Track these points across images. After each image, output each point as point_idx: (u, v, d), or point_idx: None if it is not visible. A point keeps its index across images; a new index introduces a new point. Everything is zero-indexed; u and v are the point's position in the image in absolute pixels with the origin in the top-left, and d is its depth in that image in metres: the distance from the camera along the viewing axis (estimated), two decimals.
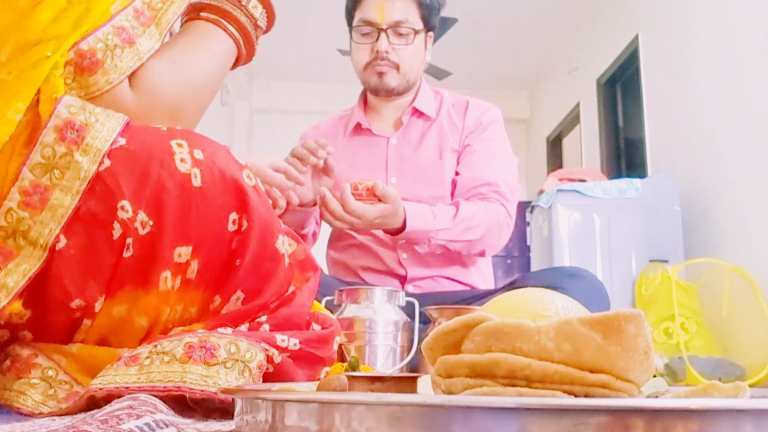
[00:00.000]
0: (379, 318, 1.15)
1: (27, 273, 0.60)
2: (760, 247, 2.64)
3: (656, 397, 0.46)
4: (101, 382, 0.60)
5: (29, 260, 0.60)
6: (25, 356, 0.66)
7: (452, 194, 1.54)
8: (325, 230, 1.68)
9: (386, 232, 1.43)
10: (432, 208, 1.43)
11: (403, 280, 1.54)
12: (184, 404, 0.60)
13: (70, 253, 0.62)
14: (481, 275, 1.61)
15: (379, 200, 1.30)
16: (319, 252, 0.82)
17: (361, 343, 1.14)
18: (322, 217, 1.54)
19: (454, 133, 1.59)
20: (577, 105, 4.94)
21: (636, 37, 3.89)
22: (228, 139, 5.45)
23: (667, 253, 2.99)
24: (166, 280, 0.66)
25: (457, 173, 1.55)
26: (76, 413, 0.61)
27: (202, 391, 0.59)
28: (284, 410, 0.38)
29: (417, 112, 1.62)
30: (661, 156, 3.57)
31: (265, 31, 0.85)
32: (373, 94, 1.63)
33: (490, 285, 1.63)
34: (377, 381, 0.46)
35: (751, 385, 1.50)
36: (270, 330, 0.70)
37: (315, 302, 0.82)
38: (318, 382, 0.52)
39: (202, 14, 0.79)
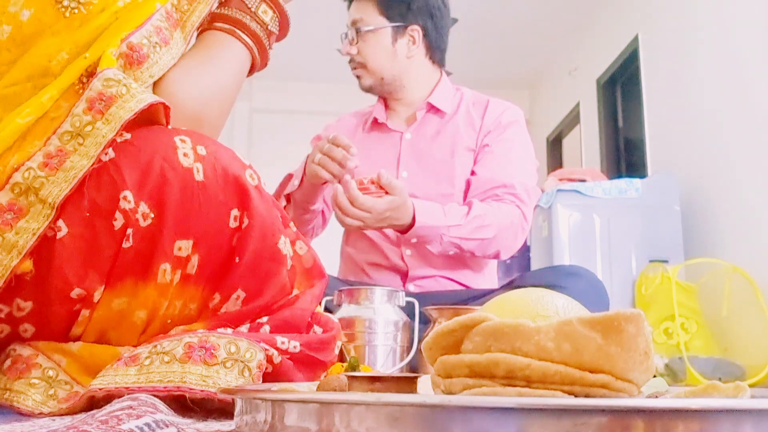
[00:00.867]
0: (379, 318, 1.15)
1: (36, 231, 0.61)
2: (760, 247, 2.64)
3: (656, 397, 0.46)
4: (101, 383, 0.60)
5: (38, 218, 0.61)
6: (26, 356, 0.66)
7: (466, 194, 1.52)
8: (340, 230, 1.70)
9: (397, 230, 1.41)
10: (442, 206, 1.42)
11: (404, 277, 1.54)
12: (184, 404, 0.60)
13: (71, 241, 0.63)
14: (486, 280, 1.60)
15: (387, 193, 1.30)
16: (325, 253, 0.82)
17: (361, 343, 1.14)
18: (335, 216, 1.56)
19: (470, 132, 1.57)
20: (577, 105, 4.94)
21: (636, 37, 3.89)
22: (228, 139, 5.45)
23: (667, 253, 2.99)
24: (165, 272, 0.66)
25: (473, 173, 1.54)
26: (76, 413, 0.61)
27: (202, 391, 0.59)
28: (284, 410, 0.38)
29: (432, 108, 1.61)
30: (661, 156, 3.57)
31: (280, 37, 0.86)
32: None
33: (492, 287, 1.62)
34: (377, 381, 0.46)
35: (751, 385, 1.50)
36: (270, 332, 0.70)
37: None
38: (318, 382, 0.52)
39: (216, 24, 0.80)
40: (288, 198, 1.53)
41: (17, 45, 0.66)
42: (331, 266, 1.23)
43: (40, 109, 0.64)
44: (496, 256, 1.49)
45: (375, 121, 1.65)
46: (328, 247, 1.61)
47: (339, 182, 1.33)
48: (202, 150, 0.68)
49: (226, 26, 0.80)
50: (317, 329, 0.77)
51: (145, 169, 0.64)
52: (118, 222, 0.64)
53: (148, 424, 0.45)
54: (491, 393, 0.37)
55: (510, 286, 1.44)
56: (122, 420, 0.44)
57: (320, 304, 0.81)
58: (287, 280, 0.74)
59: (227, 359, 0.62)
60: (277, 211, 0.75)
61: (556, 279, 1.29)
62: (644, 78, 3.79)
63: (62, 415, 0.62)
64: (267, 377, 0.65)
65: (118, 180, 0.63)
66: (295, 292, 0.75)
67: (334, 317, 0.82)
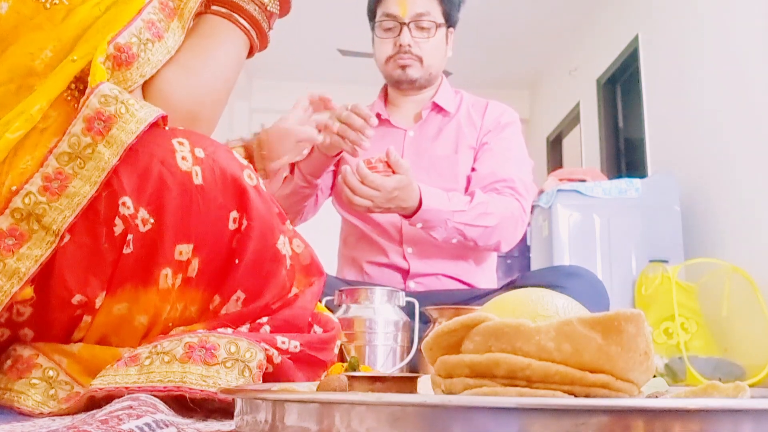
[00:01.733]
0: (379, 318, 1.15)
1: (39, 259, 0.61)
2: (760, 247, 2.64)
3: (656, 397, 0.46)
4: (101, 383, 0.60)
5: (41, 245, 0.61)
6: (26, 356, 0.66)
7: (466, 189, 1.54)
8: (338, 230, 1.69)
9: (403, 215, 1.41)
10: (446, 193, 1.43)
11: (405, 275, 1.54)
12: (184, 404, 0.60)
13: (72, 248, 0.63)
14: (486, 277, 1.61)
15: (394, 173, 1.30)
16: (324, 253, 0.82)
17: (361, 343, 1.14)
18: (339, 201, 1.54)
19: (471, 131, 1.60)
20: (577, 105, 4.94)
21: (636, 37, 3.89)
22: (227, 139, 5.44)
23: (667, 253, 2.99)
24: (167, 277, 0.66)
25: (473, 170, 1.56)
26: (76, 413, 0.61)
27: (202, 391, 0.59)
28: (284, 410, 0.38)
29: (436, 107, 1.63)
30: (661, 156, 3.57)
31: (282, 14, 0.83)
32: (395, 87, 1.64)
33: (492, 285, 1.63)
34: (377, 381, 0.46)
35: (751, 385, 1.50)
36: (270, 332, 0.69)
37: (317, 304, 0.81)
38: (318, 382, 0.52)
39: (213, 8, 0.78)
40: (291, 167, 1.52)
41: None
42: (330, 266, 1.23)
43: (29, 122, 0.62)
44: (497, 247, 1.50)
45: (377, 116, 1.65)
46: (328, 248, 1.61)
47: (354, 155, 1.33)
48: (200, 152, 0.67)
49: (223, 10, 0.77)
50: (317, 329, 0.77)
51: (144, 174, 0.64)
52: (118, 228, 0.63)
53: (148, 424, 0.45)
54: (492, 393, 0.37)
55: (510, 286, 1.44)
56: (122, 420, 0.44)
57: (320, 301, 0.81)
58: (287, 280, 0.74)
59: (227, 359, 0.62)
60: (276, 209, 0.75)
61: (556, 279, 1.29)
62: (644, 78, 3.79)
63: (62, 415, 0.61)
64: (267, 377, 0.65)
65: (117, 186, 0.63)
66: (295, 290, 0.75)
67: (334, 317, 0.82)
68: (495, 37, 4.96)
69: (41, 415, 0.61)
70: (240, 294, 0.70)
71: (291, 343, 0.68)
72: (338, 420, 0.35)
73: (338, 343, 0.78)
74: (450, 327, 0.40)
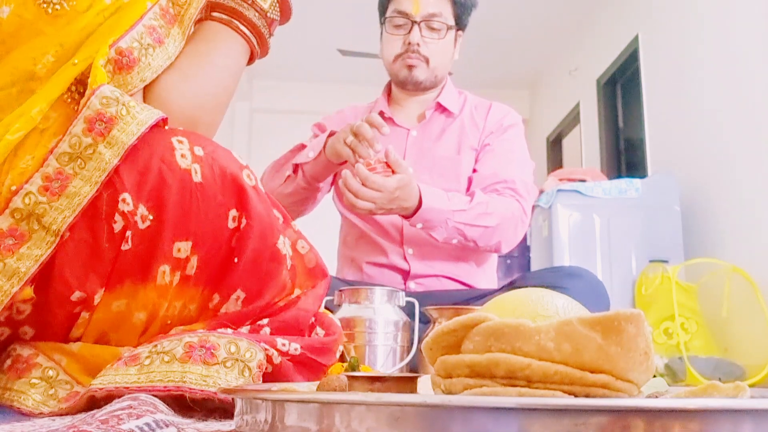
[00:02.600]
0: (379, 318, 1.15)
1: (39, 259, 0.61)
2: (760, 247, 2.64)
3: (656, 397, 0.46)
4: (101, 382, 0.60)
5: (41, 245, 0.61)
6: (26, 356, 0.66)
7: (468, 190, 1.54)
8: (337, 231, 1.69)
9: (403, 216, 1.41)
10: (446, 193, 1.43)
11: (406, 275, 1.54)
12: (184, 404, 0.60)
13: (72, 245, 0.63)
14: (486, 278, 1.61)
15: (394, 173, 1.30)
16: (324, 253, 0.82)
17: (361, 343, 1.14)
18: (341, 201, 1.54)
19: (474, 132, 1.60)
20: (577, 105, 4.94)
21: (636, 37, 3.89)
22: (228, 139, 5.45)
23: (667, 253, 2.99)
24: (165, 274, 0.66)
25: (474, 170, 1.56)
26: (76, 413, 0.61)
27: (202, 390, 0.59)
28: (284, 410, 0.38)
29: (440, 108, 1.63)
30: (661, 156, 3.57)
31: (282, 21, 0.83)
32: (400, 87, 1.63)
33: (492, 286, 1.63)
34: (377, 381, 0.46)
35: (751, 385, 1.51)
36: (271, 333, 0.69)
37: None
38: (318, 382, 0.52)
39: (214, 14, 0.78)
40: (295, 168, 1.52)
41: None
42: (329, 266, 1.22)
43: (29, 123, 0.62)
44: (497, 248, 1.49)
45: (381, 114, 1.65)
46: (328, 247, 1.61)
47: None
48: (199, 151, 0.67)
49: (224, 17, 0.78)
50: (320, 330, 0.76)
51: (143, 170, 0.64)
52: (118, 224, 0.63)
53: (148, 424, 0.45)
54: (491, 393, 0.37)
55: (510, 286, 1.44)
56: (122, 420, 0.44)
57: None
58: (288, 280, 0.74)
59: (227, 359, 0.62)
60: (277, 211, 0.75)
61: (556, 280, 1.29)
62: (644, 78, 3.79)
63: (62, 414, 0.61)
64: (267, 377, 0.65)
65: (117, 182, 0.63)
66: (297, 292, 0.75)
67: (335, 317, 0.82)
68: (495, 37, 4.96)
69: (41, 414, 0.61)
70: (240, 293, 0.70)
71: (291, 345, 0.68)
72: (338, 420, 0.35)
73: (340, 348, 0.78)
74: (450, 327, 0.40)
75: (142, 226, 0.64)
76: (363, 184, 1.28)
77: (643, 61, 3.81)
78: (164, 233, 0.65)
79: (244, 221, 0.69)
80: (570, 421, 0.31)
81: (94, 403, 0.60)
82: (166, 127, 0.68)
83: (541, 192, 3.29)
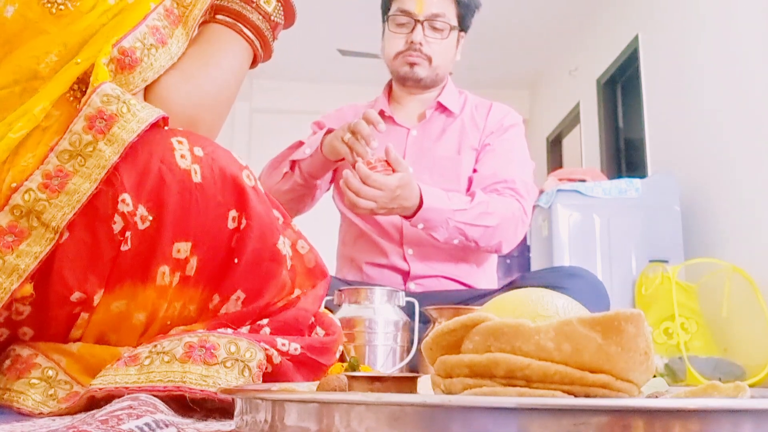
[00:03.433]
0: (379, 318, 1.15)
1: (38, 255, 0.61)
2: (760, 247, 2.64)
3: (656, 397, 0.46)
4: (101, 382, 0.60)
5: (40, 242, 0.61)
6: (25, 356, 0.66)
7: (468, 191, 1.54)
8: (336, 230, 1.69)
9: (404, 216, 1.40)
10: (446, 193, 1.42)
11: (405, 276, 1.54)
12: (184, 404, 0.60)
13: (71, 245, 0.63)
14: (486, 278, 1.60)
15: (394, 171, 1.30)
16: (323, 253, 0.82)
17: (361, 343, 1.14)
18: (342, 200, 1.54)
19: (474, 132, 1.60)
20: (577, 105, 4.94)
21: (636, 37, 3.89)
22: (228, 139, 5.45)
23: (667, 253, 2.99)
24: (164, 275, 0.66)
25: (474, 170, 1.56)
26: (76, 413, 0.61)
27: (202, 390, 0.59)
28: (284, 410, 0.38)
29: (441, 107, 1.63)
30: (661, 156, 3.57)
31: (286, 25, 0.84)
32: (401, 84, 1.63)
33: (492, 286, 1.62)
34: (377, 381, 0.46)
35: (751, 385, 1.50)
36: (271, 333, 0.69)
37: None
38: (318, 382, 0.52)
39: (218, 17, 0.78)
40: (293, 165, 1.51)
41: (2, 43, 0.65)
42: (329, 266, 1.22)
43: (32, 121, 0.62)
44: (498, 248, 1.49)
45: (381, 113, 1.64)
46: (327, 247, 1.61)
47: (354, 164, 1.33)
48: (199, 151, 0.67)
49: (228, 20, 0.78)
50: (320, 330, 0.76)
51: (143, 171, 0.64)
52: (117, 225, 0.63)
53: (148, 424, 0.45)
54: (491, 393, 0.37)
55: (510, 286, 1.44)
56: (122, 420, 0.44)
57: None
58: (288, 281, 0.74)
59: (227, 359, 0.62)
60: (277, 211, 0.75)
61: (556, 280, 1.29)
62: (644, 78, 3.79)
63: (62, 415, 0.61)
64: (267, 377, 0.65)
65: (116, 183, 0.63)
66: (297, 292, 0.75)
67: (335, 317, 0.82)
68: (495, 37, 4.96)
69: (41, 415, 0.61)
70: (240, 294, 0.70)
71: (291, 345, 0.68)
72: (338, 420, 0.35)
73: (340, 348, 0.78)
74: (449, 327, 0.40)
75: (141, 226, 0.64)
76: (364, 183, 1.27)
77: (643, 61, 3.81)
78: (164, 234, 0.65)
79: (243, 222, 0.69)
80: (570, 421, 0.31)
81: (94, 403, 0.60)
82: (166, 128, 0.68)
83: (541, 192, 3.29)
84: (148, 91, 0.70)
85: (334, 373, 0.68)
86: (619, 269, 3.05)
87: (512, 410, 0.31)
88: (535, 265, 3.49)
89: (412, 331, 1.20)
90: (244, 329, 0.69)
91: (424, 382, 0.48)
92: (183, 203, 0.65)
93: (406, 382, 0.47)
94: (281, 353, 0.67)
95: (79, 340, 0.68)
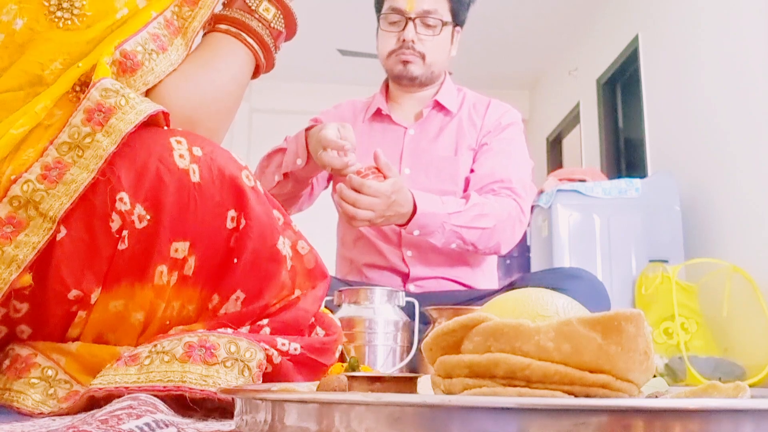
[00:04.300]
0: (379, 318, 1.15)
1: (36, 246, 0.61)
2: (760, 247, 2.64)
3: (656, 397, 0.46)
4: (101, 382, 0.60)
5: (38, 232, 0.61)
6: (25, 356, 0.66)
7: (465, 191, 1.53)
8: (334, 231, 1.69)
9: (399, 225, 1.39)
10: (439, 197, 1.42)
11: (405, 278, 1.53)
12: (184, 404, 0.60)
13: (69, 243, 0.63)
14: (486, 279, 1.60)
15: (385, 177, 1.29)
16: (323, 252, 0.82)
17: (361, 343, 1.14)
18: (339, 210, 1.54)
19: (472, 131, 1.59)
20: (577, 105, 4.94)
21: (636, 37, 3.89)
22: (228, 139, 5.43)
23: (667, 253, 2.99)
24: (162, 274, 0.66)
25: (471, 170, 1.55)
26: (76, 413, 0.61)
27: (202, 390, 0.59)
28: (284, 410, 0.38)
29: (438, 106, 1.62)
30: (661, 156, 3.57)
31: (288, 36, 0.85)
32: (396, 82, 1.63)
33: (492, 287, 1.62)
34: (377, 381, 0.46)
35: (751, 385, 1.50)
36: (270, 333, 0.69)
37: None
38: (318, 382, 0.52)
39: (221, 26, 0.79)
40: (286, 175, 1.49)
41: (10, 53, 0.66)
42: (328, 266, 1.21)
43: (33, 119, 0.63)
44: (497, 249, 1.48)
45: (378, 111, 1.64)
46: (327, 247, 1.60)
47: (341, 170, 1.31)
48: (197, 151, 0.67)
49: (230, 28, 0.79)
50: (320, 330, 0.76)
51: (141, 170, 0.64)
52: (115, 224, 0.63)
53: (148, 424, 0.45)
54: (491, 393, 0.37)
55: (510, 287, 1.43)
56: (122, 420, 0.44)
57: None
58: (288, 281, 0.74)
59: (227, 359, 0.62)
60: (277, 212, 0.75)
61: (557, 281, 1.29)
62: (644, 78, 3.79)
63: (62, 414, 0.61)
64: (267, 377, 0.65)
65: (115, 181, 0.63)
66: (297, 292, 0.75)
67: (335, 317, 0.82)
68: (495, 37, 4.96)
69: (41, 414, 0.61)
70: (239, 294, 0.70)
71: (291, 345, 0.68)
72: (337, 420, 0.35)
73: (340, 347, 0.78)
74: (449, 327, 0.40)
75: (139, 225, 0.64)
76: (359, 192, 1.26)
77: (643, 61, 3.81)
78: (161, 233, 0.65)
79: (243, 222, 0.69)
80: (570, 421, 0.31)
81: (94, 403, 0.60)
82: (165, 128, 0.68)
83: (541, 192, 3.29)
84: (147, 94, 0.71)
85: (334, 373, 0.68)
86: (619, 269, 3.05)
87: (512, 410, 0.31)
88: (535, 265, 3.49)
89: (412, 332, 1.20)
90: (244, 329, 0.69)
91: (424, 383, 0.48)
92: (181, 203, 0.65)
93: (406, 383, 0.47)
94: (281, 353, 0.67)
95: (76, 339, 0.68)
